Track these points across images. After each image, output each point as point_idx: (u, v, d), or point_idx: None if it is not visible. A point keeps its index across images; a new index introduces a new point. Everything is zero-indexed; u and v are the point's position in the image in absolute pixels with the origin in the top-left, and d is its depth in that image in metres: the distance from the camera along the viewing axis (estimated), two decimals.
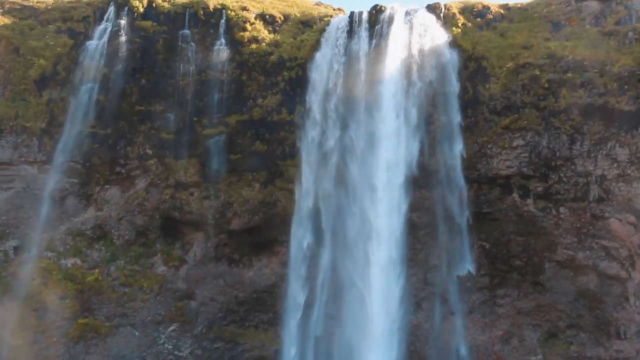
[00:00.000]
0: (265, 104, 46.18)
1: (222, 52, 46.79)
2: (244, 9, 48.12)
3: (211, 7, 47.83)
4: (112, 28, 46.26)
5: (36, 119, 44.57)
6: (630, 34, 43.97)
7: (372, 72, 44.72)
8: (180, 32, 47.13)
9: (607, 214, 43.28)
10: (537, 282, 45.06)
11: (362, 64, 45.03)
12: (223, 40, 47.07)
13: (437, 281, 45.28)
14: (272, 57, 46.83)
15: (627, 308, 43.66)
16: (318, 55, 46.16)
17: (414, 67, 44.92)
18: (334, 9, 52.25)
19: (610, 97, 42.87)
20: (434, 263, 45.22)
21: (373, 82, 44.59)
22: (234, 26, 47.40)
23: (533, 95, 44.26)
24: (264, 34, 47.73)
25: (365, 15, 46.45)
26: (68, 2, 48.76)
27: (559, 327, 45.06)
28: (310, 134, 44.35)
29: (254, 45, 47.00)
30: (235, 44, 47.10)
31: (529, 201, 44.37)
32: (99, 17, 47.26)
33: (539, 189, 44.16)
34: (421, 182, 44.53)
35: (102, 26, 46.80)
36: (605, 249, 43.76)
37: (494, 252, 45.25)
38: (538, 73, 44.05)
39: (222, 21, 47.48)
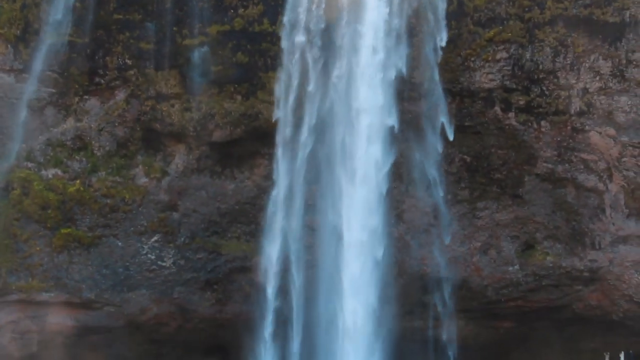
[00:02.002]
0: (247, 14, 45.04)
1: None
2: None
3: None
4: None
5: (10, 26, 43.13)
6: None
7: None
8: None
9: (587, 127, 43.66)
10: (517, 194, 45.73)
11: None
12: None
13: (418, 194, 45.94)
14: None
15: (602, 219, 44.65)
16: None
17: None
18: None
19: (595, 8, 42.59)
20: (414, 176, 45.62)
21: None
22: None
23: (518, 7, 43.76)
24: None
25: None
26: None
27: (536, 238, 46.12)
28: (293, 42, 43.64)
29: None
30: None
31: (511, 115, 44.51)
32: None
33: (521, 102, 44.22)
34: (404, 95, 44.53)
35: None
36: (584, 162, 44.33)
37: (475, 166, 45.67)
38: None
39: None
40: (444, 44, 43.99)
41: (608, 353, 46.54)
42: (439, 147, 44.32)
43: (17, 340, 43.96)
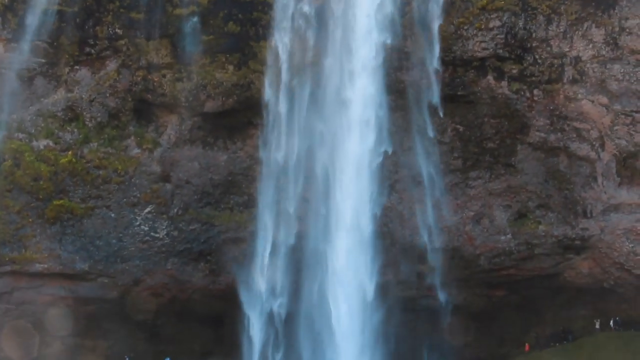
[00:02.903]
0: None
1: None
2: None
3: None
4: None
5: None
6: None
7: None
8: None
9: (580, 96, 43.60)
10: (509, 164, 45.81)
11: None
12: None
13: (411, 164, 45.94)
14: None
15: (594, 188, 44.80)
16: None
17: None
18: None
19: None
20: (408, 145, 45.69)
21: None
22: None
23: None
24: None
25: None
26: None
27: (528, 207, 46.30)
28: (285, 9, 43.38)
29: None
30: None
31: (504, 83, 44.40)
32: None
33: (514, 71, 44.12)
34: (396, 64, 44.34)
35: None
36: (576, 131, 44.35)
37: (468, 135, 45.64)
38: None
39: None
40: (438, 12, 44.15)
41: (599, 320, 47.09)
42: (431, 117, 44.44)
43: (12, 311, 44.03)
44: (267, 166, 44.35)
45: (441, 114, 44.08)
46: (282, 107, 43.03)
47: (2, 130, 42.03)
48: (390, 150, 44.05)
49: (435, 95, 44.05)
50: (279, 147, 43.64)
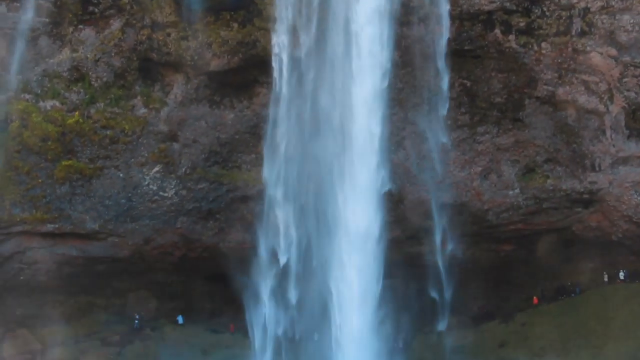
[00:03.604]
0: None
1: None
2: None
3: None
4: None
5: None
6: None
7: None
8: None
9: (588, 48, 43.15)
10: (517, 118, 45.60)
11: None
12: None
13: (418, 120, 45.76)
14: None
15: (603, 141, 44.62)
16: None
17: None
18: None
19: None
20: (415, 102, 45.45)
21: None
22: None
23: None
24: None
25: None
26: None
27: (536, 162, 46.21)
28: None
29: None
30: None
31: (511, 37, 43.88)
32: None
33: (522, 24, 43.58)
34: (402, 19, 43.84)
35: None
36: (585, 84, 43.98)
37: (475, 90, 45.33)
38: None
39: None
40: None
41: (606, 273, 47.37)
42: (437, 72, 44.12)
43: (25, 270, 44.65)
44: (275, 123, 44.27)
45: (447, 70, 43.71)
46: (288, 63, 42.70)
47: (9, 91, 41.97)
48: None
49: (441, 50, 43.70)
50: (285, 102, 43.49)
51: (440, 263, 46.65)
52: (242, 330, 47.11)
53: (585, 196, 45.34)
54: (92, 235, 44.88)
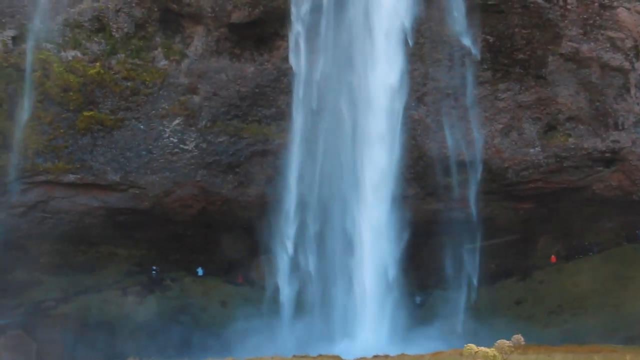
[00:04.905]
0: None
1: None
2: None
3: None
4: None
5: None
6: None
7: None
8: None
9: (615, 4, 42.29)
10: (540, 75, 44.87)
11: None
12: None
13: (440, 76, 45.32)
14: None
15: (627, 99, 44.01)
16: None
17: None
18: None
19: None
20: (436, 57, 45.01)
21: None
22: None
23: None
24: None
25: None
26: None
27: (558, 119, 45.64)
28: None
29: None
30: None
31: None
32: None
33: None
34: None
35: None
36: (610, 40, 43.20)
37: (498, 46, 44.60)
38: None
39: None
40: None
41: (625, 232, 47.14)
42: (460, 27, 43.59)
43: (48, 219, 45.35)
44: (296, 77, 44.11)
45: (470, 25, 43.15)
46: (308, 15, 42.40)
47: (31, 40, 42.09)
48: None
49: (463, 5, 43.06)
50: (306, 55, 43.28)
51: (458, 220, 46.79)
52: (251, 282, 48.07)
53: (607, 155, 44.88)
54: (113, 186, 45.37)
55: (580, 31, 43.43)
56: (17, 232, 44.58)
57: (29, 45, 41.93)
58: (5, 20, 42.38)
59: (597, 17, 42.78)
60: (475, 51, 43.55)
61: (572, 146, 45.51)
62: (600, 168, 45.71)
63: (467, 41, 43.90)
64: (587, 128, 45.14)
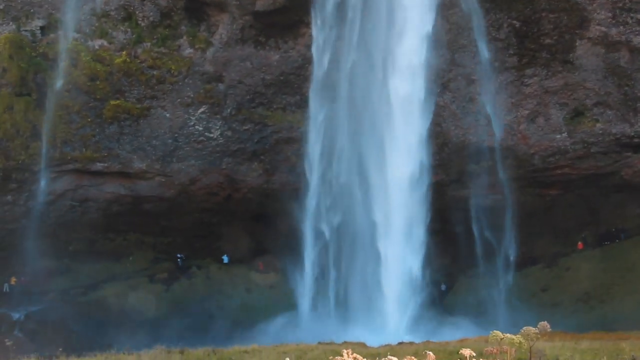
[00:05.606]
0: None
1: None
2: None
3: None
4: None
5: None
6: None
7: None
8: None
9: None
10: (567, 60, 44.32)
11: None
12: None
13: (465, 62, 44.97)
14: None
15: None
16: None
17: None
18: None
19: None
20: (462, 43, 44.66)
21: None
22: None
23: None
24: None
25: None
26: None
27: (585, 105, 45.06)
28: None
29: None
30: None
31: None
32: None
33: None
34: None
35: None
36: (639, 24, 42.62)
37: (524, 31, 44.14)
38: None
39: None
40: None
41: None
42: (486, 12, 43.13)
43: (76, 207, 45.93)
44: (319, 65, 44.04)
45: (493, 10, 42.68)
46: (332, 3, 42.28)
47: (60, 30, 42.50)
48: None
49: None
50: (330, 43, 43.16)
51: (484, 207, 46.55)
52: (276, 269, 48.26)
53: (636, 140, 44.21)
54: (139, 174, 45.82)
55: (609, 14, 42.71)
56: (46, 220, 45.21)
57: (58, 35, 42.42)
58: (33, 10, 42.96)
59: (627, 0, 42.13)
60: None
61: (600, 132, 44.91)
62: (629, 154, 45.01)
63: (492, 26, 43.71)
64: (616, 113, 44.50)
